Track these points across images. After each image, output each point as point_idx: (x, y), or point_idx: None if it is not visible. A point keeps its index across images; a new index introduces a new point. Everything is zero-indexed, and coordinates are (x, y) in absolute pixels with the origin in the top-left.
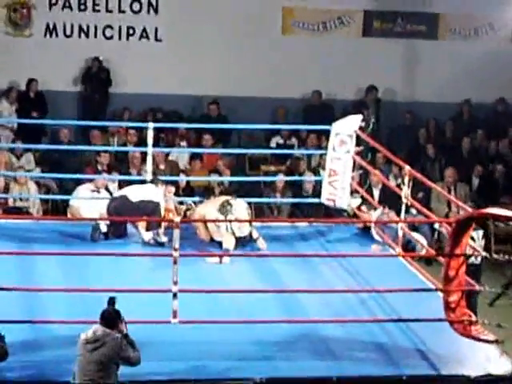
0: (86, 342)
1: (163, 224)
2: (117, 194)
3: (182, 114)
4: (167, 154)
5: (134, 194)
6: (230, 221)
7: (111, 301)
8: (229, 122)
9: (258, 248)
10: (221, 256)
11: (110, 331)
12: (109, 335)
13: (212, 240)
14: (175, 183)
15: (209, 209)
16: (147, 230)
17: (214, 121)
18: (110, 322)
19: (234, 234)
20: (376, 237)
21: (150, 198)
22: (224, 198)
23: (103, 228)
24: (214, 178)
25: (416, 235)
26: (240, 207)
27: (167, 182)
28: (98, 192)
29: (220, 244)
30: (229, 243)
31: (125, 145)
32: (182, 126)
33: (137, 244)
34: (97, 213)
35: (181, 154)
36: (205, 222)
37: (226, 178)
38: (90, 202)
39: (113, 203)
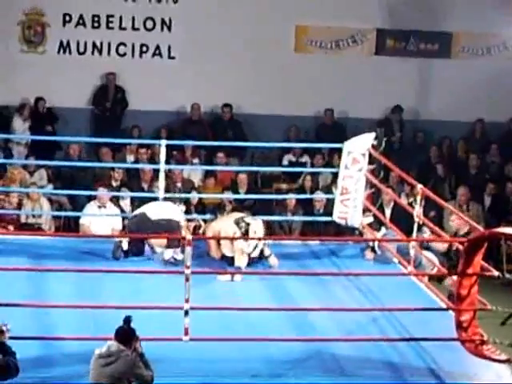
0: (100, 357)
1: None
2: (137, 211)
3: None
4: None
5: (154, 211)
6: (244, 238)
7: (127, 320)
8: (242, 126)
9: (269, 265)
10: (233, 274)
11: (124, 348)
12: (123, 351)
13: (223, 257)
14: (187, 200)
15: (224, 224)
16: (167, 247)
17: (226, 124)
18: (125, 339)
19: (253, 251)
20: (368, 256)
21: (170, 216)
22: (237, 214)
23: (125, 245)
24: (227, 195)
25: (428, 254)
26: (258, 227)
27: (174, 199)
28: (104, 207)
29: (231, 260)
30: (241, 261)
31: (136, 162)
32: (195, 143)
33: (155, 262)
34: (108, 229)
35: (193, 172)
36: (219, 238)
37: (238, 196)
38: (98, 218)
39: (132, 221)
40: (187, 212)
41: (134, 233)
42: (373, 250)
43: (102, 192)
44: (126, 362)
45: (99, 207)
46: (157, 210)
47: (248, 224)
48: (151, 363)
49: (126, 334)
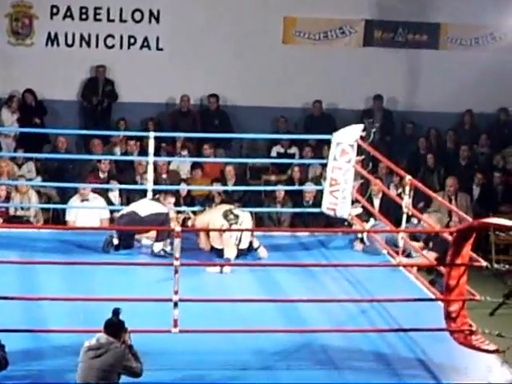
0: (89, 349)
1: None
2: (125, 210)
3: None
4: (169, 164)
5: (143, 208)
6: (234, 230)
7: (116, 312)
8: (228, 116)
9: (258, 257)
10: (222, 265)
11: (114, 340)
12: (112, 343)
13: (212, 249)
14: (176, 192)
15: (213, 216)
16: (157, 240)
17: (213, 114)
18: (114, 331)
19: (239, 245)
20: (357, 247)
21: (158, 210)
22: (226, 206)
23: (115, 241)
24: (216, 187)
25: (417, 245)
26: (246, 220)
27: (166, 192)
28: (87, 200)
29: (220, 252)
30: (230, 253)
31: (125, 154)
32: (183, 135)
33: (145, 255)
34: (96, 221)
35: (182, 163)
36: (207, 230)
37: (227, 188)
38: (83, 212)
39: (122, 220)
40: (176, 204)
41: (126, 231)
42: (362, 240)
43: (85, 185)
44: (115, 353)
45: (82, 201)
46: (145, 207)
47: (236, 216)
48: (140, 355)
49: (115, 326)
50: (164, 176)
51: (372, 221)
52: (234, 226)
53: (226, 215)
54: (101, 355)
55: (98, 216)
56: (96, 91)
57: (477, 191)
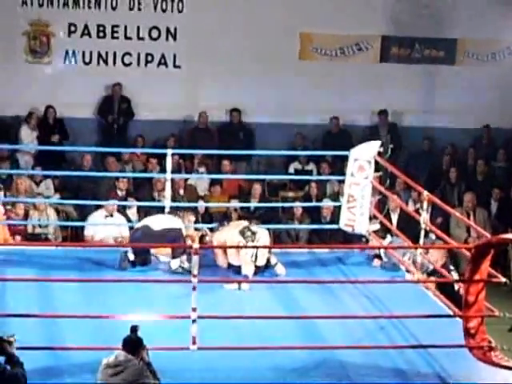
0: (107, 367)
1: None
2: (138, 224)
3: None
4: (186, 180)
5: (156, 223)
6: (252, 247)
7: (134, 329)
8: (251, 129)
9: (276, 274)
10: (240, 282)
11: (132, 357)
12: (130, 361)
13: (229, 266)
14: (194, 210)
15: (230, 233)
16: (173, 257)
17: (235, 128)
18: (132, 348)
19: (255, 261)
20: (375, 263)
21: (172, 225)
22: (243, 223)
23: (131, 257)
24: (234, 203)
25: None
26: (263, 236)
27: (186, 210)
28: (111, 216)
29: (237, 269)
30: (248, 270)
31: (144, 171)
32: (201, 152)
33: (163, 272)
34: (110, 238)
35: (200, 180)
36: (225, 247)
37: (245, 204)
38: (103, 227)
39: (135, 234)
40: (194, 221)
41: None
42: (378, 257)
43: (112, 202)
44: (133, 371)
45: (106, 216)
46: (158, 222)
47: (254, 233)
48: (158, 372)
49: (133, 343)
50: (181, 192)
51: (389, 237)
52: (250, 243)
53: (243, 232)
54: (119, 373)
55: (118, 233)
56: (112, 109)
57: (495, 206)
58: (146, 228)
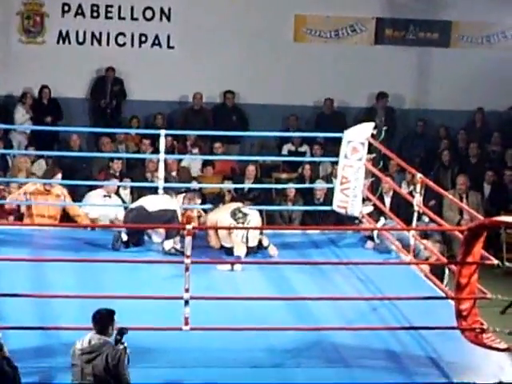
0: (82, 353)
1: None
2: (133, 204)
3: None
4: (179, 162)
5: (151, 203)
6: (244, 228)
7: (121, 332)
8: (244, 111)
9: (269, 255)
10: (233, 263)
11: (108, 339)
12: (104, 345)
13: (222, 247)
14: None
15: (221, 215)
16: (166, 238)
17: (230, 110)
18: (102, 325)
19: (246, 243)
20: (368, 245)
21: (167, 206)
22: (234, 204)
23: (124, 237)
24: (227, 185)
25: (428, 243)
26: (254, 218)
27: (191, 191)
28: (110, 197)
29: (229, 251)
30: (240, 251)
31: (138, 152)
32: (194, 133)
33: (156, 252)
34: (107, 218)
35: (193, 161)
36: (217, 228)
37: (240, 185)
38: (100, 207)
39: (130, 214)
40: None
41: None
42: (371, 239)
43: (111, 182)
44: (110, 355)
45: (104, 196)
46: (153, 202)
47: (245, 214)
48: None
49: (103, 319)
50: (174, 174)
51: (383, 219)
52: (241, 225)
53: (234, 214)
54: (95, 358)
55: (114, 214)
56: (104, 92)
57: (488, 189)
58: (141, 208)
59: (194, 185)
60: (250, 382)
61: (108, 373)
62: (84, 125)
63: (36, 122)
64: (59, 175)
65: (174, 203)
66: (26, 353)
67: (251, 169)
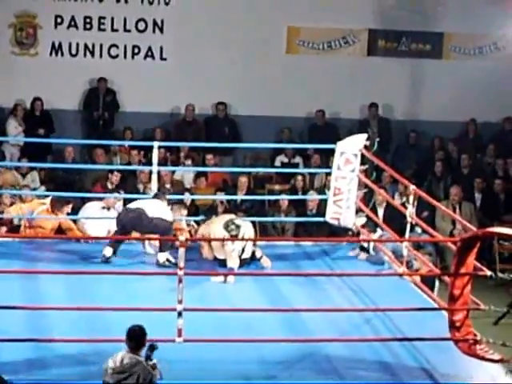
0: (114, 372)
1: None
2: (133, 205)
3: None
4: (173, 174)
5: (152, 209)
6: (236, 239)
7: (152, 348)
8: (236, 124)
9: (262, 267)
10: (226, 275)
11: (140, 359)
12: (136, 365)
13: (215, 259)
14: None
15: (214, 227)
16: (160, 250)
17: (221, 121)
18: (137, 343)
19: (241, 254)
20: (361, 256)
21: (165, 216)
22: (227, 216)
23: (108, 253)
24: (220, 196)
25: (420, 254)
26: (248, 230)
27: (179, 204)
28: (108, 210)
29: (223, 262)
30: (234, 263)
31: (129, 163)
32: (187, 144)
33: (149, 265)
34: (103, 230)
35: (186, 173)
36: (210, 240)
37: (231, 197)
38: (96, 219)
39: (129, 214)
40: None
41: (129, 226)
42: (364, 250)
43: (111, 195)
44: (143, 376)
45: (103, 208)
46: (154, 208)
47: (238, 226)
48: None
49: (137, 335)
50: (168, 186)
51: (379, 231)
52: (234, 234)
53: (227, 225)
54: (125, 379)
55: (107, 227)
56: (97, 103)
57: (479, 199)
58: (141, 211)
59: (187, 196)
60: None
61: None
62: (76, 137)
63: (28, 134)
64: (69, 208)
65: (169, 212)
66: (19, 365)
67: (243, 180)
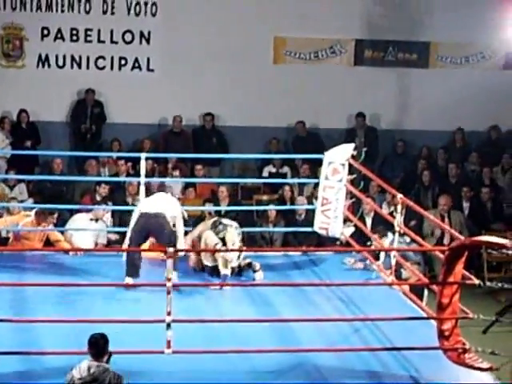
0: (82, 382)
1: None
2: (150, 209)
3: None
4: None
5: (167, 208)
6: (228, 250)
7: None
8: (224, 134)
9: (253, 278)
10: (214, 286)
11: (107, 367)
12: (105, 372)
13: (203, 268)
14: None
15: (202, 229)
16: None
17: (209, 133)
18: (99, 351)
19: (226, 261)
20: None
21: (176, 209)
22: (213, 219)
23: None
24: (208, 207)
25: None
26: (234, 235)
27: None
28: (96, 221)
29: (212, 270)
30: (226, 269)
31: (116, 175)
32: (175, 155)
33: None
34: (90, 242)
35: (174, 184)
36: (200, 252)
37: (219, 208)
38: (83, 232)
39: (151, 220)
40: None
41: (153, 233)
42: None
43: (102, 207)
44: (112, 382)
45: (91, 220)
46: (167, 206)
47: (225, 225)
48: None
49: (98, 343)
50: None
51: (390, 235)
52: (222, 234)
53: (214, 225)
54: None
55: (94, 238)
56: (85, 115)
57: (467, 208)
58: (162, 216)
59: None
60: None
61: None
62: (64, 149)
63: (15, 146)
64: (53, 219)
65: (179, 205)
66: (7, 378)
67: (222, 190)
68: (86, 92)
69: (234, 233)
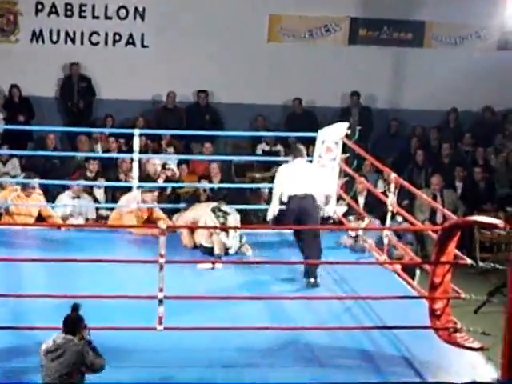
0: (47, 352)
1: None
2: (298, 191)
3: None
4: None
5: (314, 188)
6: (221, 228)
7: (75, 307)
8: (217, 111)
9: (243, 253)
10: (208, 262)
11: (71, 338)
12: (69, 342)
13: (197, 246)
14: (162, 190)
15: (201, 213)
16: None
17: (203, 110)
18: (72, 328)
19: (225, 243)
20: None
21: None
22: (212, 203)
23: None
24: (202, 184)
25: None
26: (236, 217)
27: (151, 189)
28: (78, 198)
29: (208, 250)
30: (220, 249)
31: (108, 151)
32: (169, 132)
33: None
34: (80, 219)
35: (168, 161)
36: (195, 228)
37: (213, 185)
38: (71, 208)
39: (302, 202)
40: (161, 202)
41: (294, 215)
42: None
43: (78, 182)
44: (73, 352)
45: (73, 198)
46: (315, 184)
47: (225, 213)
48: (101, 351)
49: (72, 322)
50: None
51: (367, 219)
52: (222, 220)
53: (214, 212)
54: (59, 357)
55: (84, 215)
56: (71, 90)
57: (460, 186)
58: (311, 198)
59: (172, 184)
60: (223, 381)
61: (75, 366)
62: (57, 124)
63: (8, 121)
64: (35, 191)
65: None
66: None
67: (213, 166)
68: (70, 66)
69: (237, 219)
